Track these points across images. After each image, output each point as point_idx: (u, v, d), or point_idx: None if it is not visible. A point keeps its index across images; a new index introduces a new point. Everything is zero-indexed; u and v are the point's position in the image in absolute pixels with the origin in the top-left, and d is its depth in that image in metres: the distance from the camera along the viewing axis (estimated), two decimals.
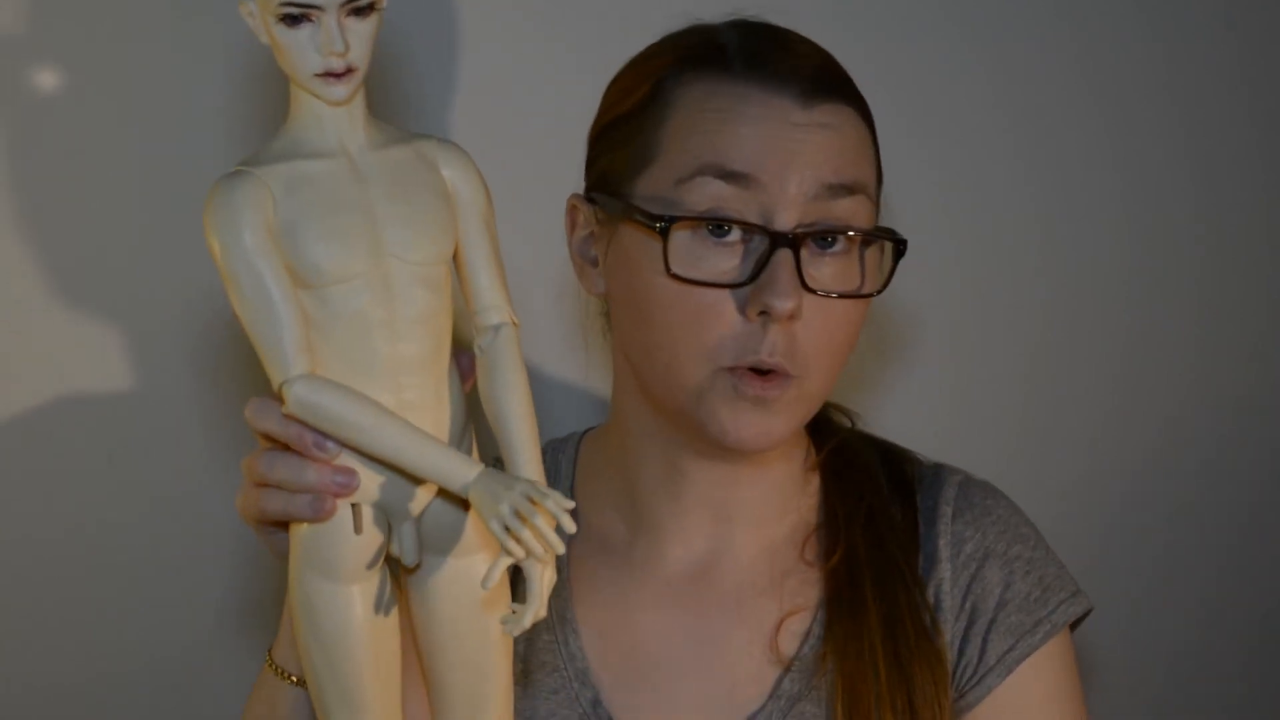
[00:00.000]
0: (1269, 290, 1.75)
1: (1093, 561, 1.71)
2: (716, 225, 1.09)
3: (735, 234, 1.09)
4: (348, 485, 0.89)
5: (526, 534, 0.85)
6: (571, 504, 0.86)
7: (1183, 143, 1.69)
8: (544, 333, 1.52)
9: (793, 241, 1.08)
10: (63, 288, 1.39)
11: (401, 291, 0.89)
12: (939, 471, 1.25)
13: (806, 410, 1.14)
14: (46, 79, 1.36)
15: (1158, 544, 1.76)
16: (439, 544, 0.93)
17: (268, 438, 0.93)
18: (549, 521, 0.85)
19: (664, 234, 1.09)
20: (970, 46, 1.62)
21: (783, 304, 1.07)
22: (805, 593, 1.20)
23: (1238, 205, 1.72)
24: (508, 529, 0.85)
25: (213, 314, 1.41)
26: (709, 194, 1.09)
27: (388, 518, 0.92)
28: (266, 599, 1.46)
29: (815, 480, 1.24)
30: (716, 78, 1.12)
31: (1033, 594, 1.20)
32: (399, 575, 0.95)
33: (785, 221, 1.09)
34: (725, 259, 1.10)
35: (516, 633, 0.89)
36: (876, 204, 1.16)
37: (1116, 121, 1.67)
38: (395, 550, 0.92)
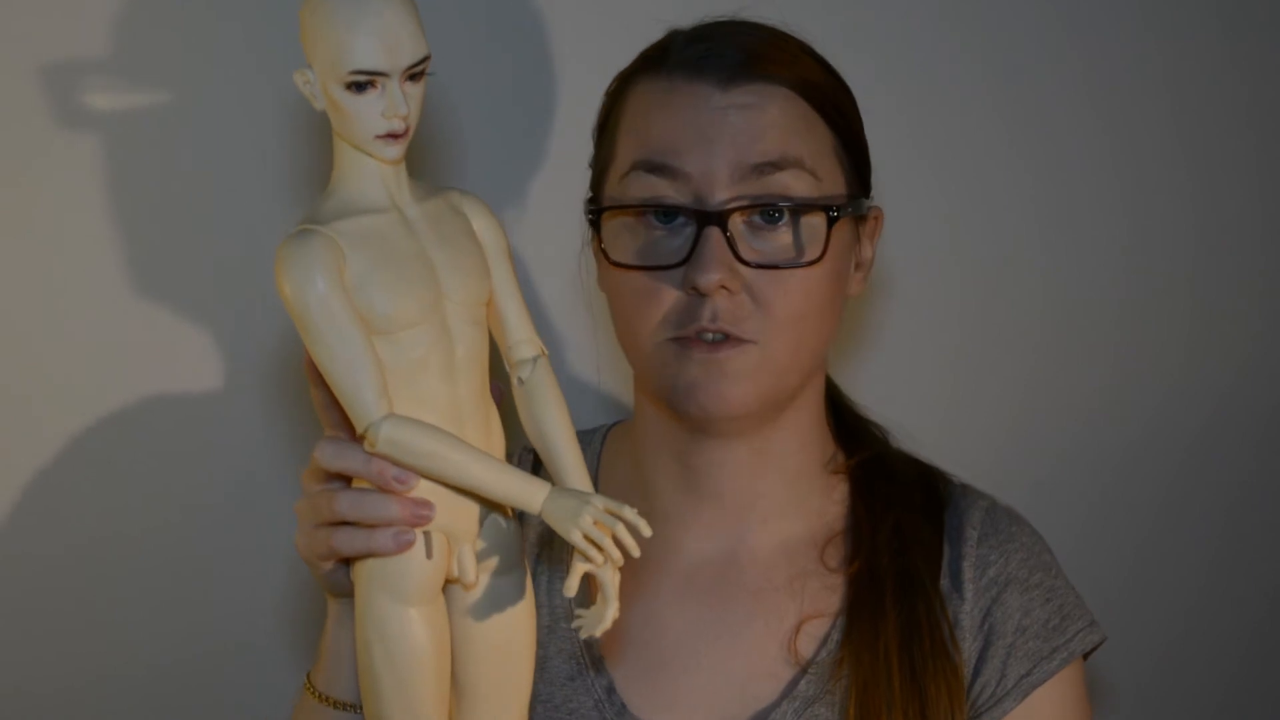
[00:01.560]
0: (1262, 289, 1.76)
1: (1093, 561, 1.72)
2: (656, 213, 1.15)
3: (679, 219, 1.15)
4: (428, 516, 0.95)
5: (608, 542, 0.92)
6: (641, 523, 0.93)
7: (1180, 143, 1.69)
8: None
9: (717, 219, 1.12)
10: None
11: (457, 332, 0.96)
12: (966, 493, 1.27)
13: (774, 378, 1.16)
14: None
15: (1150, 543, 1.76)
16: (485, 563, 0.99)
17: (334, 476, 0.99)
18: (626, 530, 0.92)
19: (594, 225, 1.19)
20: (970, 47, 1.62)
21: (705, 278, 1.12)
22: (825, 598, 1.21)
23: (1233, 205, 1.72)
24: (588, 539, 0.92)
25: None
26: (644, 186, 1.15)
27: (449, 541, 0.97)
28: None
29: (842, 487, 1.26)
30: (653, 77, 1.19)
31: (1051, 621, 1.22)
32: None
33: (712, 202, 1.13)
34: (671, 242, 1.15)
35: (598, 633, 0.96)
36: (835, 172, 1.18)
37: (1115, 122, 1.67)
38: (454, 571, 0.97)
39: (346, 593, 1.02)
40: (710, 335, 1.13)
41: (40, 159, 1.37)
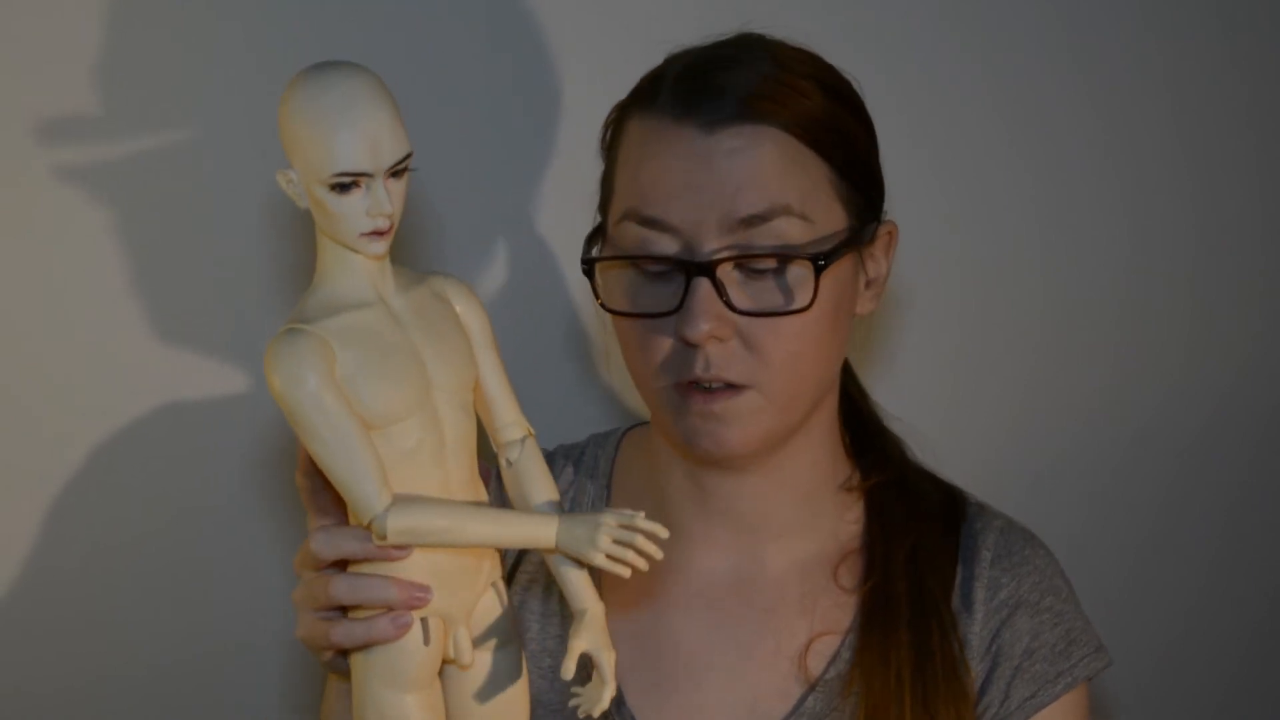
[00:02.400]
0: (1262, 289, 1.75)
1: (1093, 561, 1.72)
2: (646, 260, 1.14)
3: (669, 268, 1.14)
4: (425, 599, 0.95)
5: (630, 555, 0.93)
6: (655, 527, 0.93)
7: (1180, 143, 1.69)
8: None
9: (706, 269, 1.11)
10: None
11: (446, 419, 0.96)
12: (983, 512, 1.26)
13: (774, 418, 1.15)
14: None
15: (1150, 543, 1.76)
16: (480, 640, 1.00)
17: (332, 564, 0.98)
18: (646, 539, 0.93)
19: (588, 275, 1.17)
20: (970, 47, 1.62)
21: (693, 330, 1.11)
22: (837, 616, 1.21)
23: (1233, 205, 1.72)
24: (610, 557, 0.93)
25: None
26: (634, 236, 1.15)
27: (444, 623, 0.98)
28: None
29: (858, 506, 1.25)
30: (645, 114, 1.16)
31: (1058, 646, 1.22)
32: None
33: (701, 252, 1.12)
34: (662, 289, 1.14)
35: (595, 713, 0.96)
36: (832, 208, 1.15)
37: (1115, 122, 1.67)
38: (450, 653, 0.98)
39: (347, 674, 1.02)
40: (706, 384, 1.13)
41: (40, 160, 1.37)
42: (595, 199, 1.23)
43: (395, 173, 0.92)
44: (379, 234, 0.93)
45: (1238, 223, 1.73)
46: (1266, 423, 1.78)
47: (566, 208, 1.44)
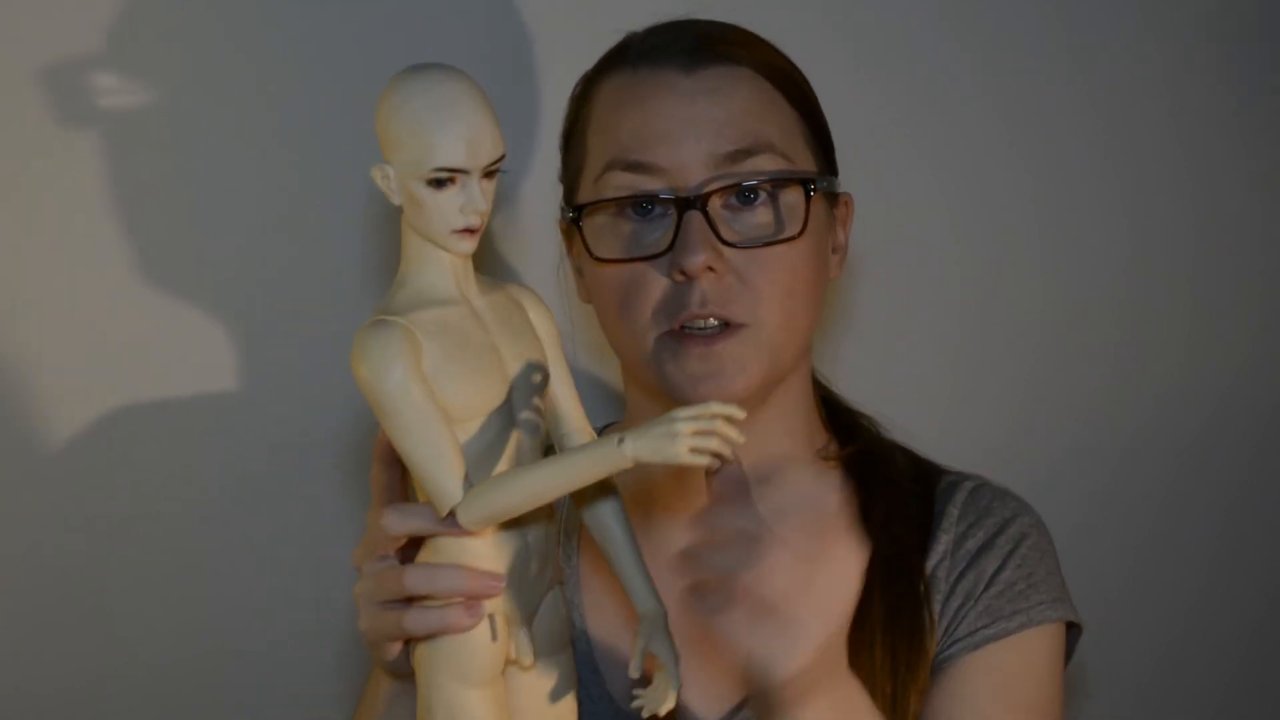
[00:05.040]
0: (1262, 289, 1.76)
1: (1093, 560, 1.72)
2: (634, 206, 1.16)
3: (657, 209, 1.16)
4: (498, 586, 0.96)
5: (714, 441, 0.90)
6: (730, 409, 0.91)
7: (1180, 143, 1.70)
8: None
9: (696, 203, 1.14)
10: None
11: (521, 420, 0.99)
12: (961, 479, 1.27)
13: (767, 361, 1.17)
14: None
15: (1150, 543, 1.77)
16: (541, 643, 1.02)
17: (391, 552, 1.00)
18: (725, 423, 0.91)
19: (577, 224, 1.19)
20: (971, 47, 1.62)
21: (691, 260, 1.13)
22: None
23: (1233, 205, 1.72)
24: (695, 450, 0.91)
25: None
26: (622, 184, 1.16)
27: (507, 624, 0.99)
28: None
29: (834, 475, 1.26)
30: (617, 73, 1.20)
31: (1018, 585, 1.21)
32: None
33: (689, 188, 1.15)
34: (652, 233, 1.16)
35: (661, 711, 0.98)
36: (805, 153, 1.19)
37: (1115, 122, 1.67)
38: (513, 653, 0.99)
39: (407, 673, 1.02)
40: (702, 324, 1.14)
41: (41, 160, 1.37)
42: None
43: (488, 173, 0.95)
44: (469, 231, 0.95)
45: (1238, 223, 1.73)
46: (1266, 423, 1.78)
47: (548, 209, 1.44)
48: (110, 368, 1.43)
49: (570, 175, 1.23)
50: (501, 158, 0.95)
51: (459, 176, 0.94)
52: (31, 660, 1.44)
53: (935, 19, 1.61)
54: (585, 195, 1.20)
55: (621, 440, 0.91)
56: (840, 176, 1.25)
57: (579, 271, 1.25)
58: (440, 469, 0.93)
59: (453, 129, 0.93)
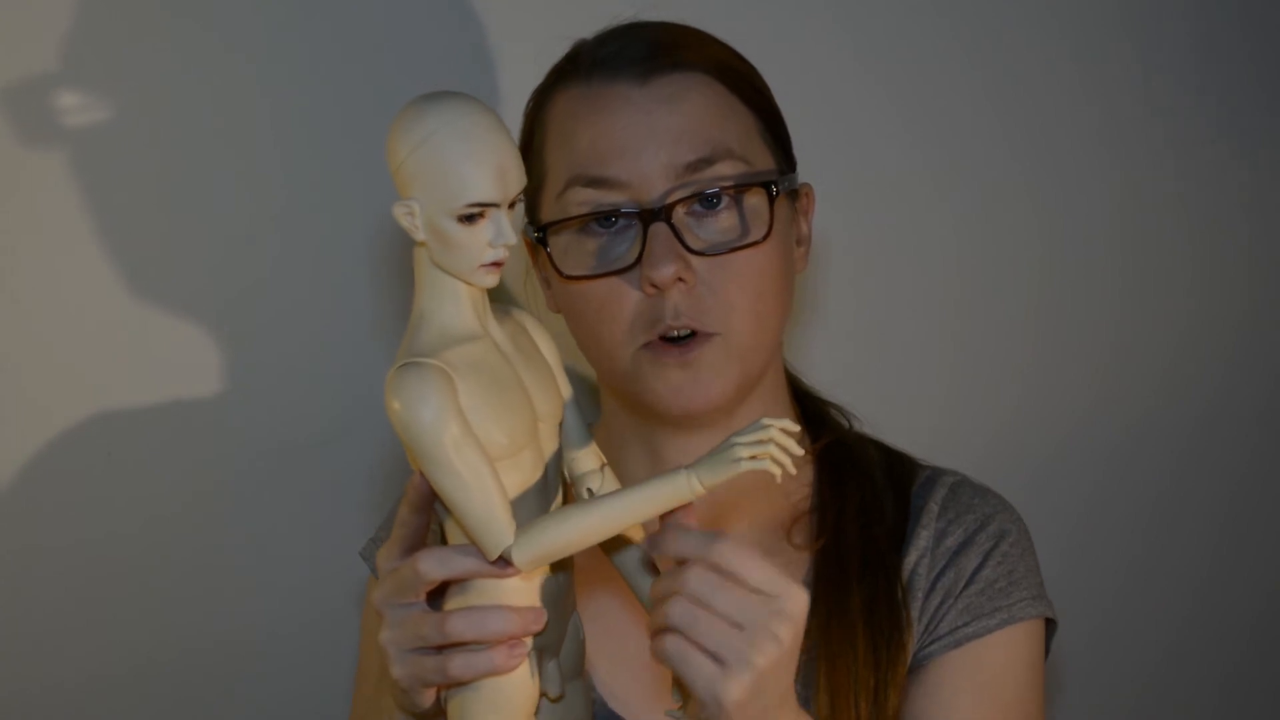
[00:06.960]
0: (1261, 288, 1.76)
1: (1090, 559, 1.72)
2: (598, 220, 1.15)
3: (621, 221, 1.15)
4: (541, 621, 0.95)
5: (771, 448, 0.92)
6: (785, 422, 0.92)
7: (1179, 143, 1.70)
8: None
9: (661, 214, 1.13)
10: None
11: (547, 449, 0.98)
12: (939, 474, 1.27)
13: (741, 366, 1.17)
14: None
15: (1147, 541, 1.77)
16: (565, 670, 1.02)
17: (420, 596, 0.96)
18: (782, 434, 0.92)
19: (542, 243, 1.18)
20: (971, 47, 1.62)
21: (660, 272, 1.12)
22: (791, 573, 1.20)
23: (1233, 205, 1.73)
24: (752, 457, 0.92)
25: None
26: (584, 200, 1.16)
27: (539, 657, 0.99)
28: None
29: (808, 470, 1.26)
30: (569, 87, 1.19)
31: (999, 583, 1.21)
32: None
33: (652, 199, 1.14)
34: (619, 246, 1.16)
35: None
36: (764, 153, 1.19)
37: (1115, 121, 1.67)
38: (543, 686, 0.98)
39: (431, 717, 1.01)
40: (676, 332, 1.14)
41: (35, 163, 1.38)
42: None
43: (511, 203, 0.93)
44: (496, 265, 0.93)
45: (1237, 223, 1.73)
46: (1264, 423, 1.78)
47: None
48: (109, 368, 1.42)
49: (531, 191, 1.21)
50: (524, 186, 0.94)
51: (489, 210, 0.92)
52: (31, 660, 1.44)
53: (935, 18, 1.60)
54: (548, 212, 1.19)
55: (685, 471, 0.92)
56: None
57: (546, 283, 1.24)
58: (490, 511, 0.91)
59: (485, 161, 0.91)
